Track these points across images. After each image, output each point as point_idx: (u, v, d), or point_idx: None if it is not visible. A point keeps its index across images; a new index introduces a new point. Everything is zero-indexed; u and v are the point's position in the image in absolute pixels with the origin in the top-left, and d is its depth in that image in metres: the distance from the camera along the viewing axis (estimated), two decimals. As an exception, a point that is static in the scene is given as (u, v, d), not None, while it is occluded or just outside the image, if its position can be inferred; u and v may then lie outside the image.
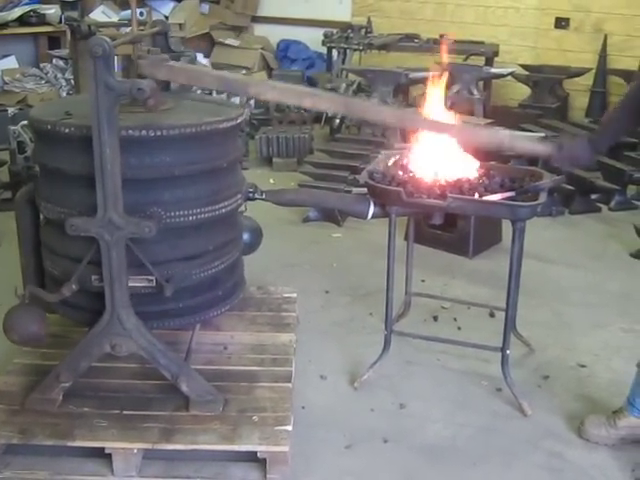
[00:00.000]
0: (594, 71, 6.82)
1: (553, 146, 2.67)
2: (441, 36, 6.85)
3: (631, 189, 5.37)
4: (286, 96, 2.69)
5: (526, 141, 2.84)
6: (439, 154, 2.94)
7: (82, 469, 2.46)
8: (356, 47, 6.85)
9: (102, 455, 2.44)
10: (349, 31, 6.99)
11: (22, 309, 2.58)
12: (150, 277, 2.51)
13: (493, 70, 6.35)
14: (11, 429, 2.48)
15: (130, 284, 2.49)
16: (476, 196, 2.79)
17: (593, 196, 5.23)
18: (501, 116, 5.43)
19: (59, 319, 2.85)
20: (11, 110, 6.22)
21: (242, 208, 2.91)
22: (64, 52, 7.47)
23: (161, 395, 2.66)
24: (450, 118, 2.80)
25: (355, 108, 2.71)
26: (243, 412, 2.59)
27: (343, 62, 7.07)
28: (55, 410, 2.57)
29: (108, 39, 2.26)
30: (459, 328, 3.56)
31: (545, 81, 6.78)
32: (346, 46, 6.94)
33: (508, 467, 2.64)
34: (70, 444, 2.45)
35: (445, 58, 4.02)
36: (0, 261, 4.03)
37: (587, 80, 6.85)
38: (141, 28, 3.19)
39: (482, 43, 7.03)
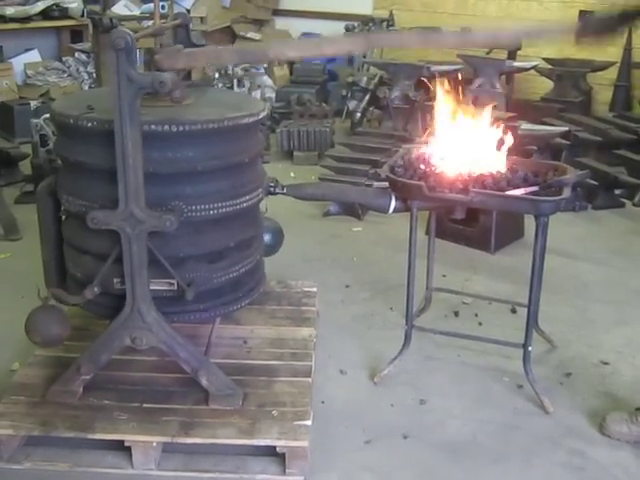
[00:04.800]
0: (618, 65, 6.73)
1: (579, 21, 2.52)
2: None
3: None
4: (306, 50, 2.68)
5: (549, 27, 2.72)
6: (461, 148, 2.92)
7: (102, 461, 2.47)
8: (377, 40, 6.82)
9: (122, 448, 2.45)
10: (371, 24, 6.95)
11: (44, 311, 2.58)
12: (171, 280, 2.51)
13: (516, 64, 6.28)
14: (32, 421, 2.50)
15: (151, 287, 2.49)
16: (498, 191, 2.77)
17: (617, 191, 5.17)
18: (524, 110, 5.38)
19: (80, 312, 2.86)
20: (34, 103, 6.25)
21: (263, 209, 2.90)
22: (86, 45, 7.51)
23: (181, 389, 2.66)
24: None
25: (377, 41, 2.68)
26: (262, 406, 2.59)
27: (364, 55, 7.03)
28: (76, 402, 2.59)
29: (130, 32, 2.25)
30: (480, 324, 3.54)
31: (568, 75, 6.70)
32: (368, 39, 6.91)
33: (529, 465, 2.62)
34: (90, 436, 2.46)
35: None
36: (22, 253, 4.07)
37: (611, 74, 6.75)
38: (163, 21, 3.18)
39: (505, 36, 6.96)
